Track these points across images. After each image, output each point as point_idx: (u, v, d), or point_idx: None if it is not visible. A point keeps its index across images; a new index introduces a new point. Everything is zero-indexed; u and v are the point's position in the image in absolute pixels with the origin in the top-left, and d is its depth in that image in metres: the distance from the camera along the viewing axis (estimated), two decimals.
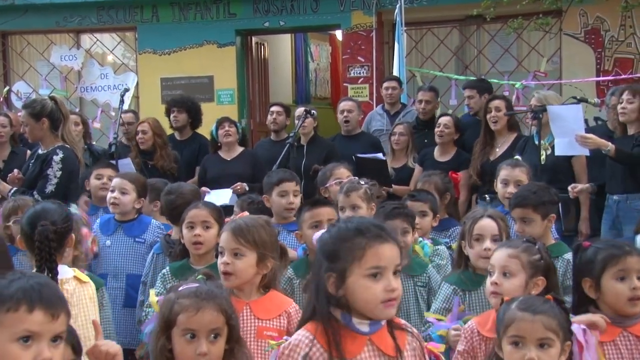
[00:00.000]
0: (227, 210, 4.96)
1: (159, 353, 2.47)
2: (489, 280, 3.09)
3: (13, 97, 11.29)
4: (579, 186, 5.66)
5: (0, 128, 7.10)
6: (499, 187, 4.83)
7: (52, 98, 5.65)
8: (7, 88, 11.30)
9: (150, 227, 4.99)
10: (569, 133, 5.53)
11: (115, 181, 5.07)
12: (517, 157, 5.45)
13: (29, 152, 6.97)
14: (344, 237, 2.32)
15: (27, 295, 2.01)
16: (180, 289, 2.57)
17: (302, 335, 2.32)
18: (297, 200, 4.73)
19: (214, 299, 2.50)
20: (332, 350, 2.27)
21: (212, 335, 2.46)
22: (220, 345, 2.48)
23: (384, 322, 2.32)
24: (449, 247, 4.56)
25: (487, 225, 3.66)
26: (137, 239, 4.95)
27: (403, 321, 2.43)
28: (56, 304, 2.04)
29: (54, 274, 3.08)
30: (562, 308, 2.61)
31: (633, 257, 2.93)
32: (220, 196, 6.27)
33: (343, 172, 5.14)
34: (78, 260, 3.87)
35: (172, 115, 7.54)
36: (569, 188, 5.61)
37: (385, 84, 8.11)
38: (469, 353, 2.99)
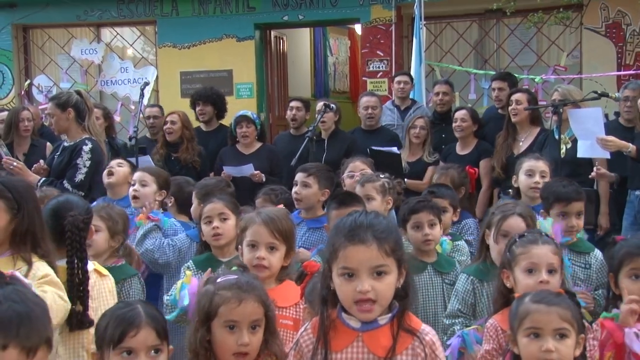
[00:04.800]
0: None
1: (199, 344, 2.47)
2: (528, 279, 2.99)
3: (34, 91, 11.43)
4: (603, 170, 5.66)
5: (27, 122, 7.21)
6: (522, 178, 4.80)
7: (77, 92, 5.79)
8: (28, 81, 11.43)
9: (167, 222, 4.91)
10: (590, 136, 5.55)
11: (136, 175, 5.08)
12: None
13: (48, 144, 7.07)
14: (330, 235, 2.38)
15: (2, 329, 1.87)
16: (219, 280, 2.57)
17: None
18: (304, 192, 4.74)
19: (254, 291, 2.53)
20: (319, 339, 2.32)
21: (252, 326, 2.49)
22: (259, 336, 2.51)
23: (383, 322, 2.31)
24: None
25: (516, 224, 3.58)
26: None
27: (423, 326, 2.36)
28: (33, 339, 1.88)
29: (84, 263, 3.15)
30: (573, 301, 2.62)
31: None
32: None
33: (357, 166, 5.18)
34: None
35: (197, 109, 7.54)
36: (594, 169, 5.62)
37: (397, 79, 8.07)
38: (497, 351, 2.94)
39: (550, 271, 2.98)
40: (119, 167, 5.34)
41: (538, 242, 3.04)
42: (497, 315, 3.05)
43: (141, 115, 7.67)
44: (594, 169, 5.64)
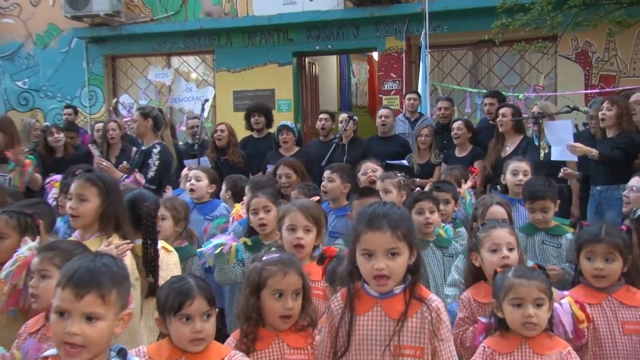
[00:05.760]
0: None
1: (251, 310, 2.47)
2: (493, 256, 2.95)
3: (120, 107, 11.55)
4: (569, 170, 5.61)
5: (112, 131, 7.27)
6: (508, 177, 4.74)
7: (159, 108, 5.93)
8: (115, 100, 11.55)
9: (219, 208, 5.03)
10: (561, 142, 5.50)
11: (192, 172, 5.14)
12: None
13: (134, 149, 7.15)
14: (354, 222, 2.37)
15: (64, 275, 1.93)
16: (264, 258, 2.57)
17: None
18: (329, 185, 4.73)
19: (294, 265, 2.53)
20: (346, 305, 2.32)
21: (295, 294, 2.49)
22: (299, 302, 2.50)
23: (397, 291, 2.29)
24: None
25: (496, 210, 3.64)
26: (206, 217, 4.97)
27: (430, 295, 2.34)
28: (85, 285, 1.89)
29: (155, 243, 3.17)
30: (545, 274, 2.62)
31: (601, 244, 2.89)
32: None
33: (368, 166, 5.15)
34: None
35: (253, 119, 7.42)
36: (561, 170, 5.56)
37: (407, 96, 8.12)
38: (469, 318, 2.93)
39: (510, 249, 2.96)
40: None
41: (497, 227, 3.04)
42: (470, 289, 3.03)
43: (203, 119, 7.72)
44: (562, 169, 5.57)
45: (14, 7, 11.90)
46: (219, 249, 3.52)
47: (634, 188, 4.23)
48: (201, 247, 3.74)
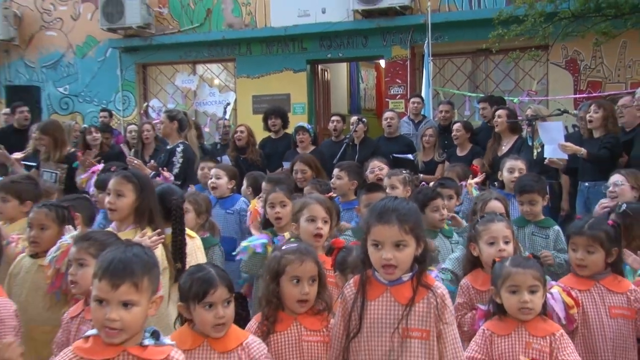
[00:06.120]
0: None
1: (271, 294, 2.47)
2: (490, 249, 2.92)
3: (150, 110, 11.58)
4: (554, 158, 5.53)
5: (146, 132, 7.25)
6: (505, 174, 4.71)
7: (184, 112, 5.94)
8: (145, 104, 11.58)
9: (238, 202, 5.00)
10: (553, 142, 5.47)
11: (213, 171, 5.08)
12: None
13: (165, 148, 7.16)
14: (366, 214, 2.35)
15: (100, 267, 1.95)
16: (283, 248, 2.56)
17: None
18: (338, 182, 4.69)
19: (311, 254, 2.53)
20: (358, 291, 2.30)
21: (311, 280, 2.47)
22: (315, 287, 2.49)
23: (405, 279, 2.27)
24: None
25: (495, 205, 3.63)
26: (227, 211, 4.93)
27: (436, 282, 2.33)
28: (120, 276, 1.91)
29: (183, 232, 3.18)
30: (540, 263, 2.61)
31: (581, 237, 2.87)
32: None
33: (375, 164, 5.11)
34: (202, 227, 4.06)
35: (270, 121, 7.37)
36: (547, 159, 5.51)
37: (412, 100, 8.07)
38: (467, 303, 2.92)
39: (506, 242, 2.93)
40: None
41: (494, 221, 3.00)
42: (468, 276, 3.01)
43: (225, 123, 7.71)
44: (547, 159, 5.53)
45: (56, 21, 12.02)
46: (267, 247, 3.51)
47: (619, 182, 4.19)
48: (242, 242, 3.70)
